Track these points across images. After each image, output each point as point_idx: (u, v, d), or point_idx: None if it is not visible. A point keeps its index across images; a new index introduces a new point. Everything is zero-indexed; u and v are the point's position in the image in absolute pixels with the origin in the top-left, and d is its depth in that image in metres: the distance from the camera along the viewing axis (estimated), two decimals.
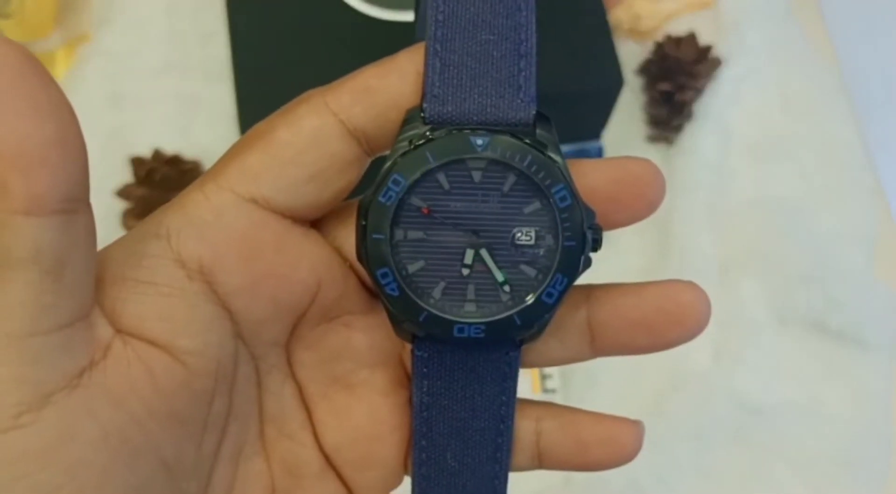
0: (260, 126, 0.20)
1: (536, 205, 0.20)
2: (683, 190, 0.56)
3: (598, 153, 0.55)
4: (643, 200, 0.20)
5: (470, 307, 0.20)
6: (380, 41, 0.49)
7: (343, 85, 0.20)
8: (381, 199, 0.19)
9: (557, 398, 0.52)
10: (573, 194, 0.19)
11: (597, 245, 0.20)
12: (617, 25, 0.60)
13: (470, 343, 0.20)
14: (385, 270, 0.19)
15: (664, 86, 0.57)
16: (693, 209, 0.55)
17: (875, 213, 0.56)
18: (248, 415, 0.21)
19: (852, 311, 0.53)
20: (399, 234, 0.20)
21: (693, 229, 0.55)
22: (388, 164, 0.19)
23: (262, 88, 0.48)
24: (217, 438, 0.20)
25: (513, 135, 0.19)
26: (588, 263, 0.20)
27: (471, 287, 0.20)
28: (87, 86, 0.58)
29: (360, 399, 0.21)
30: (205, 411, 0.19)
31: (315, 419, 0.21)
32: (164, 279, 0.18)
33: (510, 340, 0.20)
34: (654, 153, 0.58)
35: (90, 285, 0.17)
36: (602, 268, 0.60)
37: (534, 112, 0.19)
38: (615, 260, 0.55)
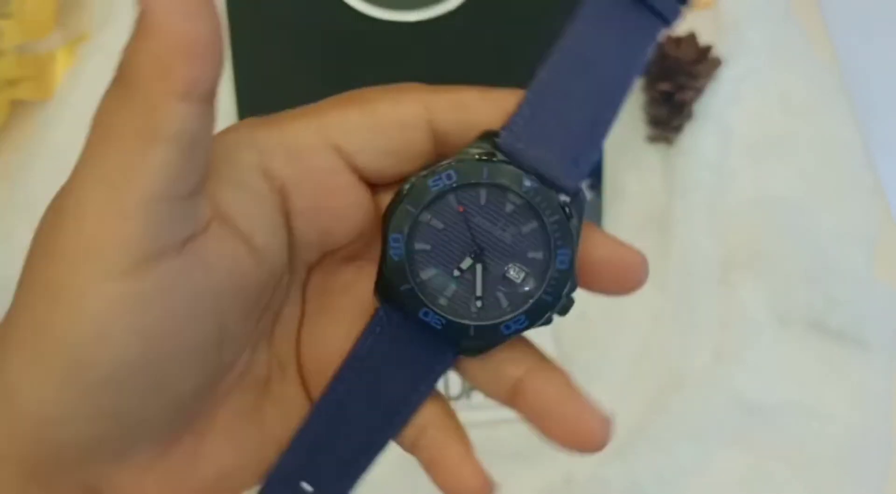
0: (364, 94, 0.23)
1: (539, 255, 0.22)
2: (683, 190, 0.56)
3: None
4: (625, 286, 0.24)
5: (443, 301, 0.23)
6: (380, 41, 0.49)
7: (446, 93, 0.23)
8: (429, 182, 0.22)
9: None
10: (572, 261, 0.22)
11: (564, 311, 0.24)
12: None
13: (425, 329, 0.23)
14: (398, 236, 0.22)
15: (664, 86, 0.57)
16: (693, 209, 0.55)
17: (875, 213, 0.56)
18: (276, 313, 0.24)
19: (852, 311, 0.53)
20: (426, 216, 0.22)
21: (693, 229, 0.55)
22: (449, 161, 0.22)
23: (262, 88, 0.48)
24: (259, 323, 0.23)
25: (556, 191, 0.22)
26: (549, 321, 0.23)
27: (452, 286, 0.23)
28: (87, 85, 0.58)
29: (336, 327, 0.24)
30: (261, 298, 0.23)
31: (302, 331, 0.25)
32: (253, 185, 0.22)
33: (456, 344, 0.23)
34: (653, 153, 0.58)
35: (207, 167, 0.20)
36: None
37: (580, 186, 0.23)
38: None
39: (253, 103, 0.48)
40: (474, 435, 0.52)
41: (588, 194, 0.54)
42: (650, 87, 0.58)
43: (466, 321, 0.23)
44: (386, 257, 0.22)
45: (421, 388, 0.24)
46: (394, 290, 0.23)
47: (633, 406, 0.53)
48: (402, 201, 0.22)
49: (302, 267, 0.24)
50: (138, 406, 0.20)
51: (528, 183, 0.22)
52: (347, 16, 0.50)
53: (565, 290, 0.23)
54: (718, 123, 0.57)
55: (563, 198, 0.22)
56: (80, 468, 0.21)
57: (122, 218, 0.19)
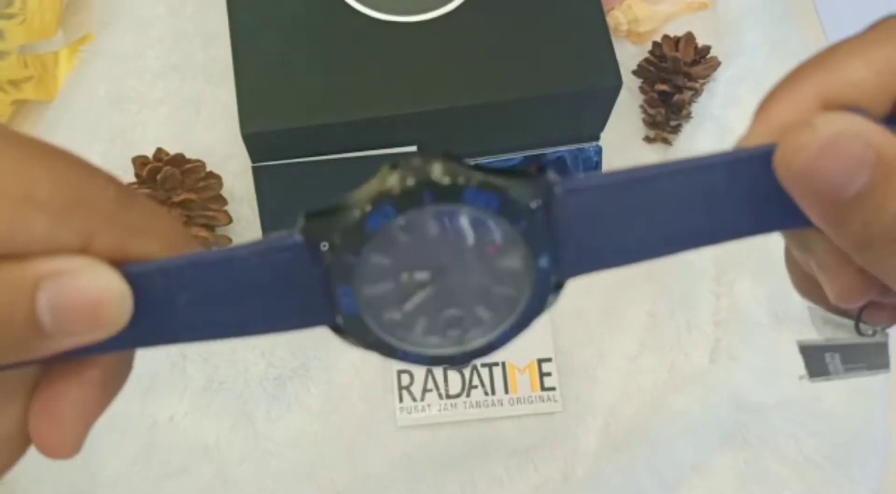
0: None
1: (513, 263, 0.21)
2: None
3: (597, 154, 0.56)
4: None
5: (418, 337, 0.22)
6: (380, 42, 0.49)
7: None
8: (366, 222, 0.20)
9: (556, 396, 0.53)
10: (553, 262, 0.21)
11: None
12: (615, 27, 0.60)
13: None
14: (347, 288, 0.21)
15: (662, 87, 0.57)
16: None
17: None
18: None
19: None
20: (370, 257, 0.21)
21: None
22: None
23: (262, 91, 0.48)
24: None
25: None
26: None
27: (422, 320, 0.21)
28: (90, 86, 0.58)
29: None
30: None
31: None
32: None
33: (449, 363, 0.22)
34: (651, 154, 0.58)
35: None
36: None
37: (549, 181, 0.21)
38: None
39: (253, 104, 0.48)
40: (474, 433, 0.53)
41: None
42: (648, 88, 0.59)
43: (449, 351, 0.21)
44: (339, 313, 0.21)
45: None
46: (361, 343, 0.21)
47: (631, 405, 0.53)
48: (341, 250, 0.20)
49: None
50: None
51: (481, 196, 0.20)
52: (349, 17, 0.50)
53: (550, 293, 0.21)
54: (716, 123, 0.57)
55: (534, 203, 0.20)
56: None
57: None
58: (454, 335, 0.21)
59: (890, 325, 0.26)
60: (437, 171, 0.19)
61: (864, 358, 0.28)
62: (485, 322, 0.21)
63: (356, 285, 0.20)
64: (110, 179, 0.21)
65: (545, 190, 0.20)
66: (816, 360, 0.28)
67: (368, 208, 0.19)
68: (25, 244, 0.19)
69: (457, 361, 0.22)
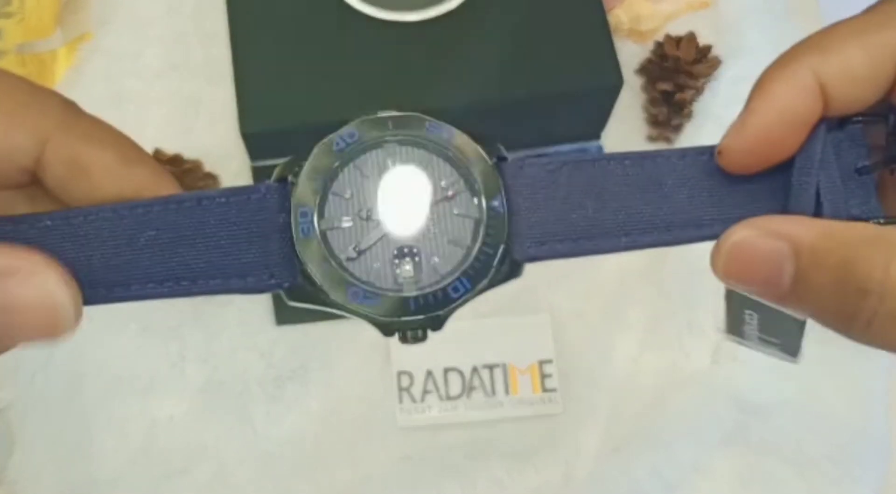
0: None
1: (467, 211, 0.22)
2: None
3: (598, 152, 0.55)
4: None
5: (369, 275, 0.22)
6: (380, 42, 0.49)
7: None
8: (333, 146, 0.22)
9: (557, 398, 0.52)
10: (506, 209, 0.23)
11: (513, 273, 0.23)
12: (617, 26, 0.60)
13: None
14: (306, 209, 0.22)
15: (664, 85, 0.57)
16: None
17: None
18: None
19: None
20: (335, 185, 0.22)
21: None
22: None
23: (262, 89, 0.48)
24: None
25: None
26: (509, 273, 0.23)
27: (376, 264, 0.22)
28: (88, 85, 0.58)
29: None
30: None
31: None
32: None
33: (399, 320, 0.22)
34: None
35: None
36: (601, 268, 0.61)
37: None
38: (614, 260, 0.56)
39: (252, 102, 0.48)
40: (475, 434, 0.53)
41: None
42: (650, 87, 0.58)
43: (405, 293, 0.22)
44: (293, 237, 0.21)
45: None
46: (313, 296, 0.22)
47: (632, 406, 0.53)
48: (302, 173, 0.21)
49: None
50: None
51: (442, 133, 0.22)
52: (348, 16, 0.50)
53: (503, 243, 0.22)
54: (718, 122, 0.57)
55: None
56: None
57: None
58: (407, 277, 0.22)
59: None
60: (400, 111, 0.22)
61: (780, 333, 0.28)
62: (437, 269, 0.22)
63: (317, 211, 0.21)
64: (55, 92, 0.22)
65: (498, 151, 0.22)
66: (736, 314, 0.28)
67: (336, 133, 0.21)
68: None
69: (410, 311, 0.21)
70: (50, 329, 0.19)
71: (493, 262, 0.22)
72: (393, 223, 0.22)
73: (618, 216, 0.23)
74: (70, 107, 0.22)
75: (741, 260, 0.21)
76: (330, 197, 0.21)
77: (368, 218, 0.22)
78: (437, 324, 0.22)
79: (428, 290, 0.21)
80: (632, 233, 0.23)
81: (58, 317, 0.19)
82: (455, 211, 0.22)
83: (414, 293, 0.21)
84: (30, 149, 0.21)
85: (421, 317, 0.22)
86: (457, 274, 0.22)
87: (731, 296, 0.28)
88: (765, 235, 0.21)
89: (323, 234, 0.21)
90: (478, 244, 0.22)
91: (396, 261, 0.22)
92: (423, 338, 0.22)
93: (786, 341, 0.28)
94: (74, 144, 0.21)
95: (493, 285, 0.22)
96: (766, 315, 0.27)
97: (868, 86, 0.21)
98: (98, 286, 0.21)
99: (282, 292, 0.22)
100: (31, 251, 0.20)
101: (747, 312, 0.27)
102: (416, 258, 0.22)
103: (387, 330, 0.22)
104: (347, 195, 0.21)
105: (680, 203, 0.23)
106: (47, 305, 0.19)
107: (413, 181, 0.22)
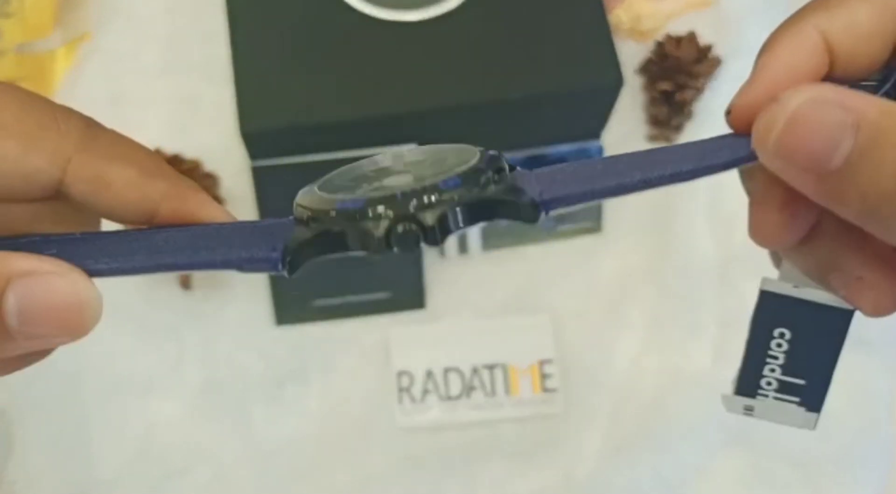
0: None
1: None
2: (684, 190, 0.56)
3: (598, 152, 0.55)
4: None
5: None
6: (380, 41, 0.49)
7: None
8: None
9: (557, 398, 0.52)
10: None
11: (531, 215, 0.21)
12: (617, 25, 0.60)
13: None
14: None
15: (664, 85, 0.57)
16: (693, 209, 0.55)
17: None
18: None
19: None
20: None
21: (693, 229, 0.55)
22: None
23: (262, 88, 0.48)
24: None
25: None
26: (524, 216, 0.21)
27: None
28: (87, 85, 0.58)
29: None
30: None
31: None
32: None
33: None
34: None
35: None
36: (602, 267, 0.60)
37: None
38: (615, 260, 0.55)
39: (252, 101, 0.47)
40: (475, 435, 0.52)
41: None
42: (650, 86, 0.58)
43: (394, 192, 0.20)
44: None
45: None
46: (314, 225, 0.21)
47: (633, 406, 0.53)
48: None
49: None
50: None
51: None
52: (348, 15, 0.50)
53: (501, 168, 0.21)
54: (719, 122, 0.57)
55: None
56: None
57: None
58: (397, 184, 0.20)
59: (864, 308, 0.23)
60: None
61: (807, 372, 0.26)
62: (426, 177, 0.20)
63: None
64: (73, 110, 0.22)
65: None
66: (757, 355, 0.26)
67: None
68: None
69: (397, 202, 0.20)
70: (77, 328, 0.19)
71: (490, 169, 0.21)
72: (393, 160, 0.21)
73: (631, 159, 0.22)
74: (90, 125, 0.22)
75: (799, 129, 0.19)
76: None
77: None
78: (429, 221, 0.20)
79: (416, 185, 0.20)
80: (645, 169, 0.22)
81: (84, 315, 0.19)
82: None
83: (403, 190, 0.20)
84: (51, 171, 0.21)
85: (411, 206, 0.20)
86: (450, 174, 0.20)
87: (756, 329, 0.25)
88: (828, 103, 0.19)
89: (320, 187, 0.21)
90: (475, 159, 0.21)
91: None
92: (415, 243, 0.20)
93: (810, 385, 0.26)
94: (96, 162, 0.21)
95: (495, 202, 0.20)
96: (800, 341, 0.25)
97: (874, 42, 0.21)
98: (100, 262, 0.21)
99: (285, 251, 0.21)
100: (51, 257, 0.20)
101: (777, 335, 0.25)
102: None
103: (373, 228, 0.20)
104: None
105: (688, 147, 0.22)
106: (73, 303, 0.19)
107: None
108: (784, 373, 0.25)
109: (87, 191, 0.21)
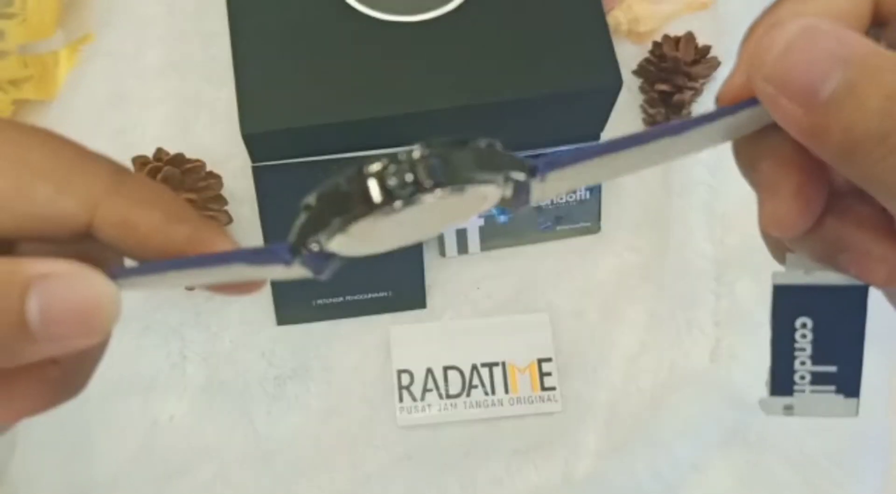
0: None
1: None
2: (681, 190, 0.56)
3: None
4: None
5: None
6: (381, 42, 0.49)
7: None
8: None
9: (556, 396, 0.53)
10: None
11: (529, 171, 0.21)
12: (616, 27, 0.60)
13: None
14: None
15: (662, 86, 0.57)
16: (691, 209, 0.55)
17: None
18: None
19: None
20: None
21: (691, 229, 0.55)
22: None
23: (263, 89, 0.48)
24: None
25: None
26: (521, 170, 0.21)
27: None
28: (89, 86, 0.58)
29: None
30: None
31: None
32: None
33: None
34: None
35: None
36: (601, 266, 0.60)
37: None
38: (613, 260, 0.56)
39: (253, 103, 0.48)
40: (474, 433, 0.53)
41: (587, 195, 0.55)
42: (648, 87, 0.59)
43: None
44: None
45: None
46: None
47: (631, 405, 0.53)
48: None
49: None
50: None
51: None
52: (349, 17, 0.50)
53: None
54: None
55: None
56: None
57: None
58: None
59: (878, 282, 0.24)
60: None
61: (837, 357, 0.26)
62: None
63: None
64: (102, 155, 0.22)
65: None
66: (784, 345, 0.26)
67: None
68: (30, 211, 0.20)
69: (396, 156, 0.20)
70: (97, 327, 0.20)
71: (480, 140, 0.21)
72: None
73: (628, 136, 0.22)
74: (118, 170, 0.22)
75: (793, 56, 0.19)
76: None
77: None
78: (424, 165, 0.20)
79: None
80: (643, 135, 0.22)
81: (104, 314, 0.20)
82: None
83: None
84: (81, 214, 0.21)
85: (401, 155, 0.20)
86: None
87: (778, 325, 0.25)
88: (824, 33, 0.19)
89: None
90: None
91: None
92: (413, 192, 0.20)
93: (843, 369, 0.26)
94: (123, 207, 0.22)
95: (491, 153, 0.21)
96: (822, 328, 0.25)
97: (851, 23, 0.22)
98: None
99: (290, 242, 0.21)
100: (71, 260, 0.20)
101: (799, 326, 0.25)
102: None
103: (369, 172, 0.20)
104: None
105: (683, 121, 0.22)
106: (93, 302, 0.20)
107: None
108: (815, 363, 0.25)
109: (114, 234, 0.22)
